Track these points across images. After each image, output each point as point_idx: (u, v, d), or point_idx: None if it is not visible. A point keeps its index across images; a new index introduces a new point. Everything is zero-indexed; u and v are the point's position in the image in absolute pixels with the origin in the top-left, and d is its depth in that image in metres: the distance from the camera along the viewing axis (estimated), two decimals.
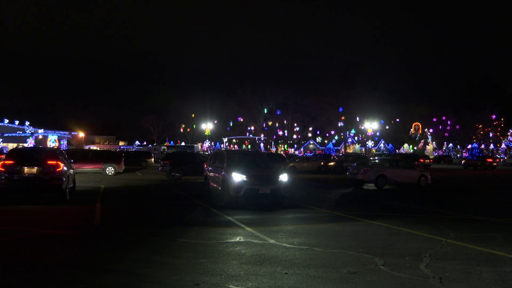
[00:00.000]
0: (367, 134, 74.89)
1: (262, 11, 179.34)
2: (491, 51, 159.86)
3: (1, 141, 58.43)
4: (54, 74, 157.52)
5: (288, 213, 11.61)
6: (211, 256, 6.74)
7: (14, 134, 62.65)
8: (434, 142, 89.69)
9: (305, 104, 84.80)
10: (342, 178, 25.12)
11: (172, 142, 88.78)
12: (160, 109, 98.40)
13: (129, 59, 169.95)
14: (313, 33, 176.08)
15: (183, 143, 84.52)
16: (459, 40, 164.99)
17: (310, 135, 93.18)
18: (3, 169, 12.03)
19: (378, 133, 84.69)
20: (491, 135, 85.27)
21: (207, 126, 76.88)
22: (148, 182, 22.57)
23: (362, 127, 76.11)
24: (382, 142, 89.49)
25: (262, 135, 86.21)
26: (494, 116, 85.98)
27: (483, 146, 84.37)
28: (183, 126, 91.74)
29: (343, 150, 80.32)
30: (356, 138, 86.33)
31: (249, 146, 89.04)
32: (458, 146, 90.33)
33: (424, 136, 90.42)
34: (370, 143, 78.51)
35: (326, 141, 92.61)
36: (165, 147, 67.25)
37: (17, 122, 64.88)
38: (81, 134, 75.51)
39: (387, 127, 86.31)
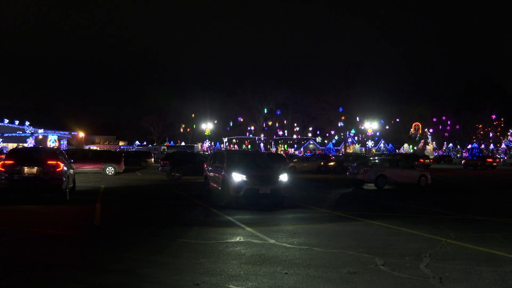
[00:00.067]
0: (367, 134, 74.89)
1: (262, 11, 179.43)
2: (491, 51, 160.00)
3: (1, 141, 58.44)
4: (54, 74, 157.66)
5: (288, 213, 11.61)
6: (211, 256, 6.74)
7: (14, 134, 62.66)
8: (434, 142, 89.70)
9: (305, 104, 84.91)
10: (342, 178, 25.12)
11: (172, 142, 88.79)
12: (160, 109, 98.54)
13: (129, 59, 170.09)
14: (313, 33, 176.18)
15: (183, 143, 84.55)
16: (459, 40, 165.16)
17: (310, 135, 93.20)
18: (3, 169, 12.03)
19: (378, 133, 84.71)
20: (491, 135, 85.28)
21: (207, 126, 76.89)
22: (148, 182, 22.57)
23: (362, 127, 76.11)
24: (382, 142, 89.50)
25: (262, 135, 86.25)
26: (494, 116, 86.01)
27: (483, 146, 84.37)
28: (183, 126, 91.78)
29: (343, 150, 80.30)
30: (356, 138, 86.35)
31: (249, 146, 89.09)
32: (458, 146, 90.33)
33: (424, 136, 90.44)
34: (370, 143, 78.52)
35: (326, 141, 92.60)
36: (165, 147, 67.27)
37: (17, 122, 64.91)
38: (81, 134, 75.52)
39: (387, 127, 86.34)
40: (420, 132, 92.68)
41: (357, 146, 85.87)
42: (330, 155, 52.62)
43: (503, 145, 77.46)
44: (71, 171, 14.57)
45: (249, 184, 12.57)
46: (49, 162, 12.50)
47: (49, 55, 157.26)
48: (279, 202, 12.98)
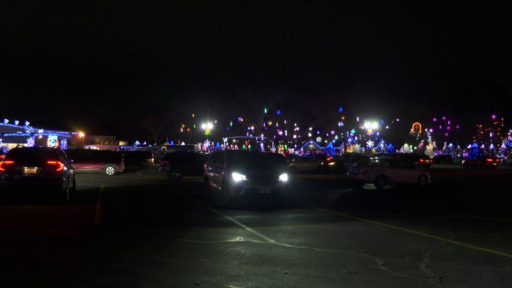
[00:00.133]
0: (367, 134, 74.90)
1: (262, 11, 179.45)
2: (491, 51, 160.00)
3: (1, 141, 58.45)
4: (54, 74, 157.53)
5: (288, 213, 11.61)
6: (211, 256, 6.74)
7: (14, 134, 62.66)
8: (434, 142, 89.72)
9: (305, 104, 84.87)
10: (342, 178, 25.12)
11: (172, 142, 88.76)
12: (160, 109, 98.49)
13: (129, 59, 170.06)
14: (313, 33, 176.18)
15: (183, 143, 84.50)
16: (459, 40, 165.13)
17: (310, 135, 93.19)
18: (3, 169, 12.03)
19: (378, 133, 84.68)
20: (491, 135, 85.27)
21: (207, 126, 76.89)
22: (148, 182, 22.57)
23: (362, 127, 76.12)
24: (382, 142, 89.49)
25: (262, 135, 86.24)
26: (494, 116, 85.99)
27: (483, 146, 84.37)
28: (183, 126, 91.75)
29: (343, 150, 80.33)
30: (356, 138, 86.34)
31: (249, 146, 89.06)
32: (458, 146, 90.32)
33: (424, 136, 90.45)
34: (370, 143, 78.52)
35: (326, 141, 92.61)
36: (165, 147, 67.28)
37: (17, 122, 64.90)
38: (81, 134, 75.51)
39: (387, 127, 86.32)
40: (420, 132, 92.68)
41: (357, 146, 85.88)
42: (328, 155, 52.74)
43: (503, 145, 77.47)
44: (71, 171, 14.57)
45: (249, 184, 12.57)
46: (49, 162, 12.51)
47: (49, 55, 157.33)
48: (279, 202, 12.98)
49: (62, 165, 12.64)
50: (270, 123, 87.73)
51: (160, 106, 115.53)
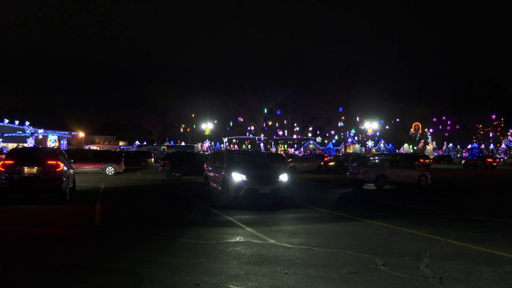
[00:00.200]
0: (367, 134, 74.91)
1: (262, 11, 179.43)
2: (491, 51, 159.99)
3: (1, 141, 58.46)
4: (54, 74, 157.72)
5: (288, 213, 11.61)
6: (211, 256, 6.74)
7: (14, 134, 62.70)
8: (434, 142, 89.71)
9: (305, 104, 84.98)
10: (342, 178, 25.13)
11: (172, 142, 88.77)
12: (160, 109, 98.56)
13: (129, 59, 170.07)
14: (313, 33, 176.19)
15: (183, 143, 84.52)
16: (459, 40, 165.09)
17: (310, 135, 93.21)
18: (3, 169, 12.03)
19: (378, 133, 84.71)
20: (491, 135, 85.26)
21: (207, 126, 76.90)
22: (148, 182, 22.57)
23: (362, 127, 76.13)
24: (382, 142, 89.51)
25: (262, 135, 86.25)
26: (494, 116, 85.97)
27: (483, 146, 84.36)
28: (183, 126, 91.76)
29: (343, 150, 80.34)
30: (356, 138, 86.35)
31: (249, 146, 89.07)
32: (458, 146, 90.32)
33: (424, 136, 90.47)
34: (370, 143, 78.54)
35: (326, 141, 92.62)
36: (165, 147, 67.29)
37: (17, 122, 64.94)
38: (81, 134, 75.54)
39: (387, 127, 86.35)
40: (420, 132, 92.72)
41: (357, 146, 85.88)
42: (325, 154, 53.04)
43: (503, 145, 77.43)
44: (71, 171, 14.57)
45: (249, 184, 12.57)
46: (49, 162, 12.50)
47: (49, 55, 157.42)
48: (279, 202, 12.98)
49: (62, 165, 12.64)
50: (270, 123, 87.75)
51: (160, 106, 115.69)
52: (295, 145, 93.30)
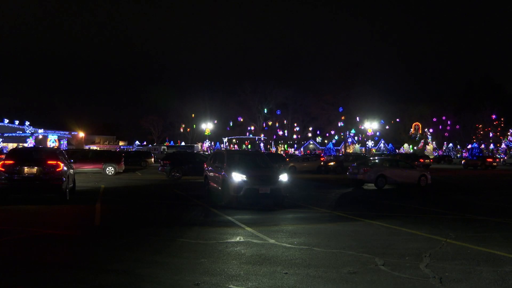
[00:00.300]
0: (367, 134, 74.92)
1: (262, 11, 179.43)
2: (491, 51, 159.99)
3: (1, 141, 58.46)
4: (54, 74, 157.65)
5: (288, 213, 11.61)
6: (211, 256, 6.74)
7: (14, 134, 62.71)
8: (434, 142, 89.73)
9: (305, 104, 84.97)
10: (342, 178, 25.13)
11: (172, 142, 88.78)
12: (160, 109, 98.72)
13: (129, 59, 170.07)
14: (313, 33, 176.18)
15: (183, 143, 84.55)
16: (459, 40, 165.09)
17: (310, 135, 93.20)
18: (3, 169, 12.03)
19: (378, 133, 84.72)
20: (491, 135, 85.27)
21: (207, 126, 76.89)
22: (148, 182, 22.57)
23: (362, 127, 76.14)
24: (382, 142, 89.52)
25: (262, 135, 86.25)
26: (494, 116, 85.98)
27: (483, 146, 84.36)
28: (183, 126, 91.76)
29: (343, 150, 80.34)
30: (356, 138, 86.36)
31: (249, 146, 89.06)
32: (458, 146, 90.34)
33: (424, 136, 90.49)
34: (370, 143, 78.54)
35: (326, 141, 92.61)
36: (165, 147, 67.30)
37: (17, 122, 64.94)
38: (81, 134, 75.52)
39: (387, 127, 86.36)
40: (420, 132, 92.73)
41: (357, 146, 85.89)
42: (321, 155, 53.40)
43: (503, 145, 77.45)
44: (71, 171, 14.57)
45: (249, 184, 12.57)
46: (49, 162, 12.50)
47: (49, 55, 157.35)
48: (279, 202, 12.98)
49: (62, 165, 12.64)
50: (270, 123, 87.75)
51: (160, 106, 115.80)
52: (295, 145, 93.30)
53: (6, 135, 61.33)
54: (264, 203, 13.11)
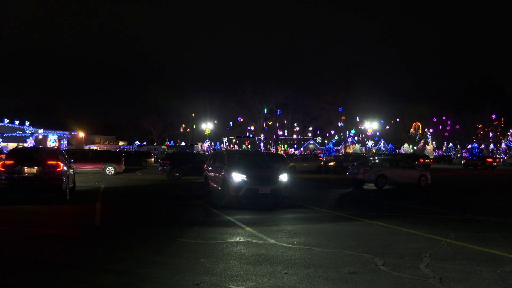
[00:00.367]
0: (367, 134, 74.91)
1: (262, 11, 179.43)
2: (491, 51, 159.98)
3: (1, 141, 58.47)
4: (54, 74, 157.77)
5: (288, 213, 11.61)
6: (211, 256, 6.74)
7: (14, 134, 62.73)
8: (434, 142, 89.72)
9: (305, 104, 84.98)
10: (342, 178, 25.13)
11: (172, 142, 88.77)
12: (160, 109, 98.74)
13: (129, 59, 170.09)
14: (313, 33, 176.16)
15: (183, 143, 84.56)
16: (459, 40, 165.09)
17: (310, 135, 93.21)
18: (3, 169, 12.03)
19: (378, 133, 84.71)
20: (491, 135, 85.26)
21: (207, 126, 76.89)
22: (148, 182, 22.57)
23: (362, 127, 76.13)
24: (382, 142, 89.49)
25: (262, 135, 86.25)
26: (494, 116, 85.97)
27: (483, 146, 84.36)
28: (183, 126, 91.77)
29: (343, 150, 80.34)
30: (356, 138, 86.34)
31: (249, 146, 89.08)
32: (458, 146, 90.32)
33: (424, 136, 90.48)
34: (370, 143, 78.54)
35: (326, 141, 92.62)
36: (165, 147, 67.30)
37: (17, 122, 64.96)
38: (81, 134, 75.53)
39: (387, 127, 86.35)
40: (420, 132, 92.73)
41: (357, 146, 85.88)
42: (319, 155, 53.72)
43: (503, 145, 77.43)
44: (71, 171, 14.56)
45: (249, 184, 12.56)
46: (49, 162, 12.50)
47: (49, 55, 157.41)
48: (279, 202, 12.98)
49: (62, 165, 12.64)
50: (270, 123, 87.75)
51: (160, 106, 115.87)
52: (295, 145, 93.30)
53: (6, 135, 61.35)
54: (264, 203, 13.10)
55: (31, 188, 12.32)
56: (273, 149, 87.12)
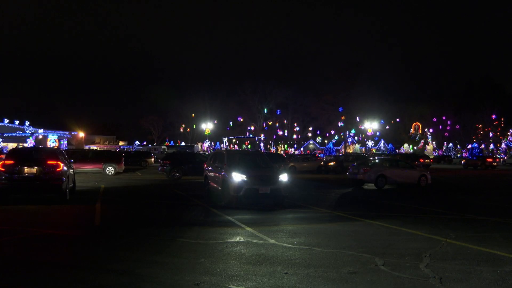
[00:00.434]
0: (367, 134, 74.99)
1: (262, 11, 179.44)
2: (491, 51, 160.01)
3: (1, 141, 58.46)
4: (54, 74, 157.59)
5: (288, 213, 11.61)
6: (211, 256, 6.74)
7: (14, 134, 62.72)
8: (434, 142, 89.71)
9: (305, 104, 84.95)
10: (342, 178, 25.13)
11: (172, 142, 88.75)
12: (160, 109, 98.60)
13: (129, 59, 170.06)
14: (314, 33, 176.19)
15: (183, 143, 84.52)
16: (459, 40, 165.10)
17: (310, 135, 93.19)
18: (3, 169, 12.03)
19: (378, 133, 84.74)
20: (491, 135, 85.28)
21: (207, 126, 76.91)
22: (148, 182, 22.57)
23: (362, 127, 76.18)
24: (382, 142, 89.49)
25: (262, 135, 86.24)
26: (494, 116, 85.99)
27: (483, 146, 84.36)
28: (183, 126, 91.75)
29: (343, 150, 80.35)
30: (356, 138, 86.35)
31: (249, 146, 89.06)
32: (458, 146, 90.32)
33: (424, 136, 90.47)
34: (370, 143, 78.60)
35: (326, 141, 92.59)
36: (165, 147, 67.30)
37: (17, 122, 64.95)
38: (81, 134, 75.51)
39: (387, 127, 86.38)
40: (420, 132, 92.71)
41: (357, 146, 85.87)
42: (317, 155, 53.86)
43: (503, 145, 77.44)
44: (71, 171, 14.57)
45: (249, 184, 12.57)
46: (49, 162, 12.50)
47: (49, 55, 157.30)
48: (279, 202, 12.98)
49: (62, 165, 12.64)
50: (270, 123, 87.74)
51: (160, 106, 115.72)
52: (295, 145, 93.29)
53: (6, 135, 61.34)
54: (264, 203, 13.10)
55: (31, 188, 12.32)
56: (273, 149, 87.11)
